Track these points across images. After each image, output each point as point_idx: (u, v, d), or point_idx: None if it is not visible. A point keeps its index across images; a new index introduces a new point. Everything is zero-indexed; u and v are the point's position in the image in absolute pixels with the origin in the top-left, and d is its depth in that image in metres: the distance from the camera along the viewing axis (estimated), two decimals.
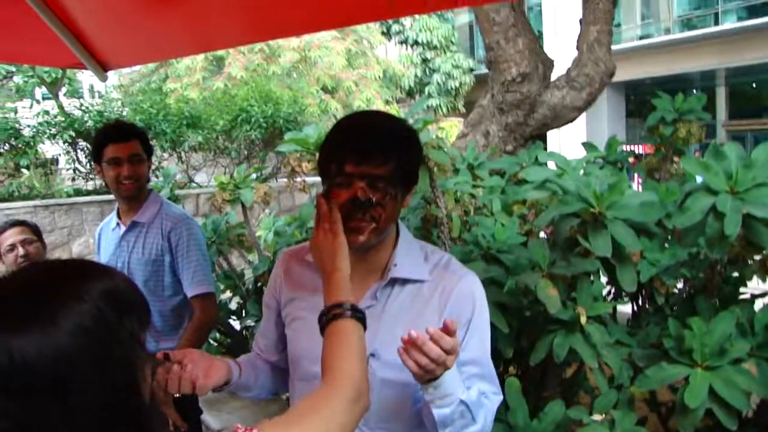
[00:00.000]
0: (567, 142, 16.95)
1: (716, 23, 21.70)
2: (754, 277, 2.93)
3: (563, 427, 2.32)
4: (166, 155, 11.37)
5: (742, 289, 2.90)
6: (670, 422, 2.85)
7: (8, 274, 0.88)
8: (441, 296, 1.52)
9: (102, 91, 15.47)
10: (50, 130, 10.26)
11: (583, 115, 5.63)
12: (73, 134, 10.25)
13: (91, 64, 2.83)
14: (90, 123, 10.28)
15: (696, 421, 2.20)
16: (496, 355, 2.54)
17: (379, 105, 17.75)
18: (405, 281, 1.53)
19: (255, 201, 4.32)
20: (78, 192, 10.38)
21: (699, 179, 2.55)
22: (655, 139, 4.22)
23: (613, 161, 4.05)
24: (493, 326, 2.41)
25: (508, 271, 2.73)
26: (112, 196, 8.58)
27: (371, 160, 1.40)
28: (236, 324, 4.58)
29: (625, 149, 4.32)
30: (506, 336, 2.52)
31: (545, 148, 4.26)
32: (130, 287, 0.91)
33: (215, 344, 4.64)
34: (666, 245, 2.93)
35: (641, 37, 23.33)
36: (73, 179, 11.15)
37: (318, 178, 1.54)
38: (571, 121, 5.29)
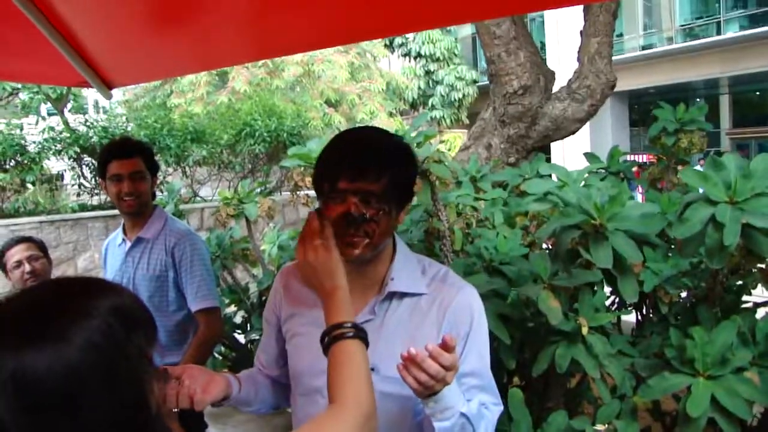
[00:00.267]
0: (571, 152, 16.97)
1: (719, 32, 21.74)
2: (759, 286, 2.95)
3: None
4: (170, 170, 11.39)
5: (744, 298, 2.92)
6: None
7: (18, 292, 0.90)
8: (439, 309, 1.51)
9: (107, 107, 15.55)
10: (55, 146, 10.30)
11: (587, 125, 5.66)
12: (78, 150, 10.29)
13: (96, 82, 2.85)
14: (95, 139, 10.33)
15: (699, 431, 2.20)
16: (498, 366, 2.56)
17: (382, 117, 17.79)
18: (403, 295, 1.53)
19: (259, 215, 4.33)
20: (83, 207, 10.41)
21: (701, 190, 2.56)
22: (657, 149, 4.23)
23: (615, 172, 4.07)
24: (495, 337, 2.44)
25: (511, 283, 2.75)
26: (116, 212, 8.57)
27: (365, 177, 1.41)
28: (241, 338, 4.59)
29: (628, 159, 4.33)
30: (509, 347, 2.54)
31: (548, 159, 4.28)
32: (137, 304, 0.92)
33: (220, 358, 4.65)
34: (669, 255, 2.95)
35: (644, 47, 23.39)
36: (78, 195, 11.17)
37: None
38: (573, 133, 5.31)
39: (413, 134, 3.19)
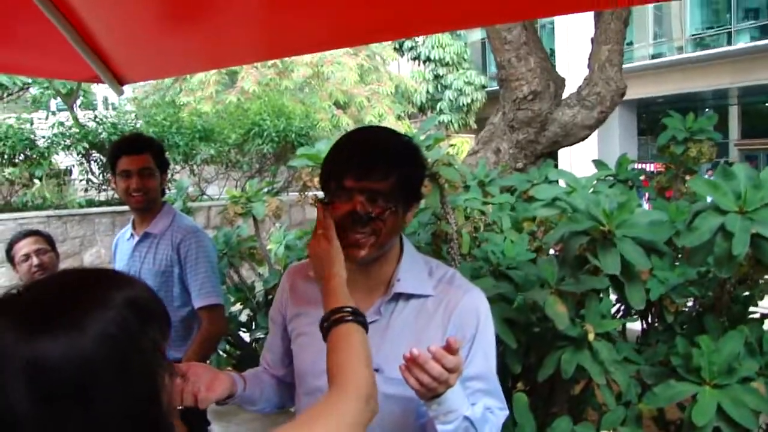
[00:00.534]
0: (578, 159, 16.97)
1: (729, 42, 21.68)
2: (766, 297, 2.95)
3: None
4: (178, 168, 11.41)
5: (751, 309, 2.91)
6: None
7: (34, 282, 0.90)
8: (445, 311, 1.51)
9: (116, 104, 15.60)
10: (65, 141, 10.33)
11: (595, 133, 5.66)
12: (87, 146, 10.32)
13: (108, 78, 2.87)
14: (104, 135, 10.35)
15: None
16: (504, 370, 2.56)
17: (390, 120, 17.79)
18: (409, 296, 1.53)
19: (266, 215, 4.34)
20: (90, 203, 10.43)
21: (709, 200, 2.56)
22: (666, 158, 4.23)
23: (623, 179, 4.06)
24: (501, 342, 2.44)
25: (517, 288, 2.75)
26: (123, 208, 8.60)
27: (371, 176, 1.41)
28: (246, 336, 4.60)
29: (636, 167, 4.33)
30: (514, 352, 2.54)
31: (556, 166, 4.28)
32: (152, 297, 0.92)
33: (225, 356, 4.65)
34: (676, 264, 2.94)
35: (653, 56, 23.36)
36: (86, 190, 11.20)
37: None
38: (582, 140, 5.31)
39: (422, 137, 3.19)
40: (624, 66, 5.25)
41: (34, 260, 3.12)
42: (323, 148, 3.21)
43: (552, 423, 2.39)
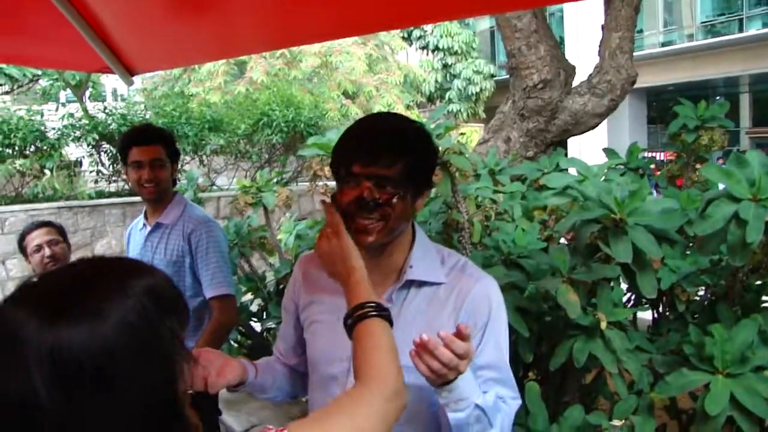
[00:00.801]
0: (588, 148, 16.88)
1: (740, 29, 21.51)
2: None
3: (583, 431, 2.32)
4: (188, 158, 11.45)
5: (764, 297, 2.89)
6: (690, 430, 2.84)
7: (54, 270, 0.91)
8: (457, 299, 1.51)
9: (125, 95, 15.63)
10: (74, 132, 10.38)
11: (604, 122, 5.63)
12: (97, 137, 10.36)
13: (118, 68, 2.87)
14: (114, 126, 10.39)
15: (717, 429, 2.19)
16: (516, 359, 2.56)
17: (399, 110, 17.74)
18: (421, 284, 1.53)
19: (276, 204, 4.35)
20: (100, 194, 10.48)
21: (721, 187, 2.54)
22: (677, 146, 4.20)
23: (634, 168, 4.04)
24: (513, 330, 2.44)
25: (529, 276, 2.74)
26: (133, 198, 8.64)
27: (379, 161, 1.41)
28: (257, 326, 4.61)
29: (646, 156, 4.30)
30: (526, 340, 2.53)
31: (566, 155, 4.26)
32: (171, 286, 0.93)
33: (236, 346, 4.67)
34: (687, 252, 2.93)
35: (664, 44, 23.21)
36: (96, 181, 11.26)
37: None
38: (593, 128, 5.29)
39: (432, 125, 3.18)
40: (634, 54, 5.22)
41: (47, 251, 3.14)
42: (333, 137, 3.20)
43: (564, 412, 2.38)
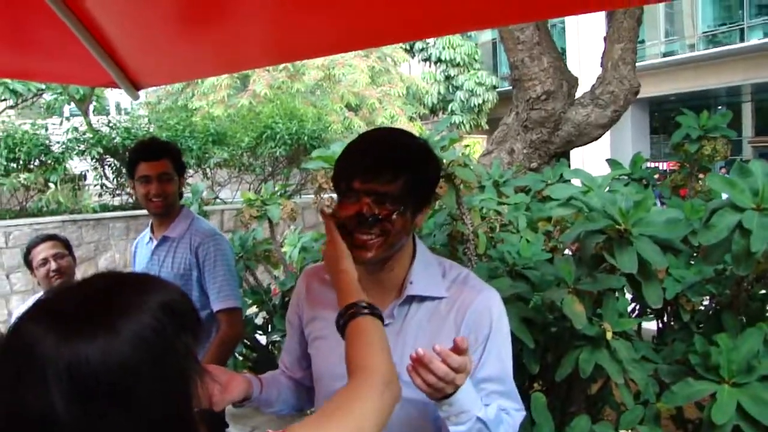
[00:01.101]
0: (591, 159, 16.88)
1: (742, 39, 21.55)
2: None
3: None
4: (191, 171, 11.49)
5: None
6: None
7: (70, 285, 0.91)
8: (458, 313, 1.50)
9: (128, 109, 15.69)
10: (79, 146, 10.43)
11: (607, 133, 5.65)
12: (101, 151, 10.41)
13: (124, 83, 2.89)
14: (118, 140, 10.44)
15: None
16: (521, 370, 2.56)
17: (402, 122, 17.81)
18: (422, 299, 1.52)
19: (281, 217, 4.36)
20: (105, 208, 10.52)
21: (725, 197, 2.55)
22: (680, 156, 4.21)
23: (638, 178, 4.05)
24: (519, 341, 2.44)
25: (534, 287, 2.75)
26: (138, 212, 8.64)
27: (379, 177, 1.41)
28: (262, 339, 4.62)
29: (649, 166, 4.31)
30: (532, 351, 2.54)
31: (569, 166, 4.27)
32: (186, 301, 0.94)
33: (241, 359, 4.67)
34: (691, 262, 2.93)
35: (665, 54, 23.26)
36: (100, 195, 11.30)
37: None
38: (596, 139, 5.31)
39: (437, 138, 3.19)
40: (636, 65, 5.24)
41: (52, 265, 3.14)
42: (338, 149, 3.20)
43: (570, 422, 2.38)
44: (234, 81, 17.68)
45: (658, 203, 4.45)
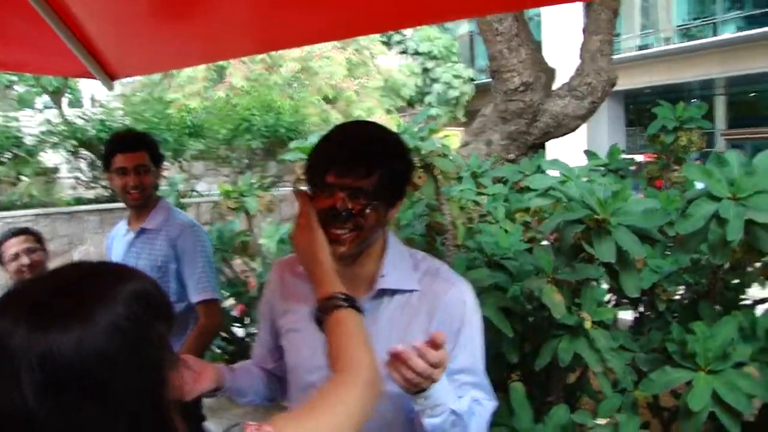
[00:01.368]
0: (566, 151, 16.98)
1: (715, 33, 21.82)
2: (753, 285, 2.97)
3: (568, 430, 2.34)
4: (167, 164, 11.37)
5: (742, 296, 2.93)
6: (672, 426, 2.88)
7: (41, 275, 0.90)
8: (430, 305, 1.49)
9: (103, 101, 15.51)
10: (52, 139, 10.27)
11: (583, 125, 5.68)
12: (75, 143, 10.26)
13: (99, 73, 2.85)
14: (92, 132, 10.28)
15: (699, 425, 2.22)
16: (500, 360, 2.58)
17: (379, 114, 17.79)
18: (394, 292, 1.51)
19: (259, 209, 4.34)
20: (79, 201, 10.37)
21: (699, 187, 2.58)
22: (655, 148, 4.25)
23: (614, 169, 4.08)
24: (498, 331, 2.45)
25: (512, 278, 2.76)
26: (112, 205, 8.52)
27: (353, 172, 1.39)
28: (240, 331, 4.60)
29: (625, 158, 4.35)
30: (511, 341, 2.55)
31: (545, 157, 4.30)
32: (159, 290, 0.92)
33: (218, 351, 4.65)
34: (666, 252, 2.96)
35: (641, 47, 23.46)
36: (74, 188, 11.15)
37: None
38: (573, 130, 5.33)
39: (416, 128, 3.19)
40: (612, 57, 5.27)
41: (24, 259, 3.09)
42: (316, 141, 3.19)
43: (549, 411, 2.40)
44: (210, 73, 17.53)
45: (635, 194, 4.49)
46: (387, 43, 23.60)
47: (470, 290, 1.55)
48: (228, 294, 4.53)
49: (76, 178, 10.90)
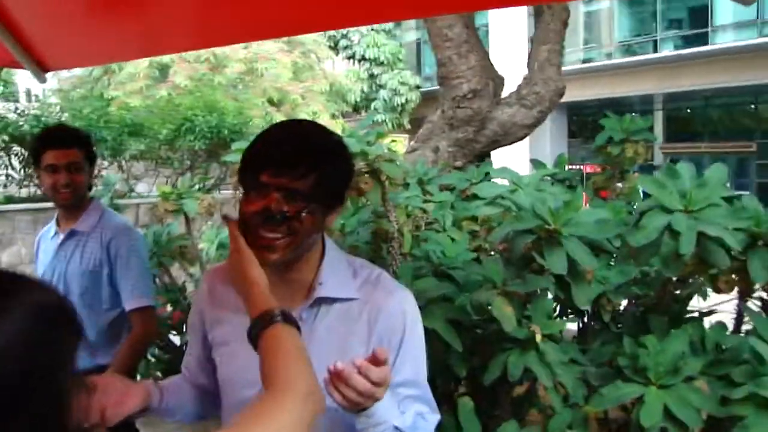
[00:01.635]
0: (510, 160, 17.19)
1: (655, 50, 22.50)
2: (696, 297, 2.99)
3: None
4: (106, 163, 11.06)
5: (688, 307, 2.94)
6: None
7: None
8: (370, 315, 1.42)
9: (39, 95, 15.02)
10: None
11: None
12: (7, 138, 9.90)
13: (29, 63, 2.70)
14: (26, 127, 9.93)
15: None
16: (447, 373, 2.51)
17: (325, 119, 17.66)
18: (332, 300, 1.43)
19: (198, 212, 4.20)
20: (10, 199, 10.01)
21: (642, 196, 2.57)
22: (601, 159, 4.26)
23: (561, 179, 4.08)
24: (446, 344, 2.38)
25: (459, 288, 2.70)
26: (46, 205, 8.24)
27: (290, 172, 1.30)
28: (176, 339, 4.44)
29: (571, 168, 4.37)
30: (459, 354, 2.48)
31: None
32: (63, 303, 0.83)
33: (153, 360, 4.48)
34: (611, 264, 2.94)
35: (584, 61, 24.00)
36: (5, 186, 10.77)
37: None
38: (521, 139, 5.34)
39: (362, 132, 3.11)
40: None
41: None
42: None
43: (496, 427, 2.34)
44: (153, 71, 17.14)
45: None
46: (334, 48, 23.55)
47: (412, 299, 1.48)
48: (164, 300, 4.36)
49: (8, 175, 10.53)
